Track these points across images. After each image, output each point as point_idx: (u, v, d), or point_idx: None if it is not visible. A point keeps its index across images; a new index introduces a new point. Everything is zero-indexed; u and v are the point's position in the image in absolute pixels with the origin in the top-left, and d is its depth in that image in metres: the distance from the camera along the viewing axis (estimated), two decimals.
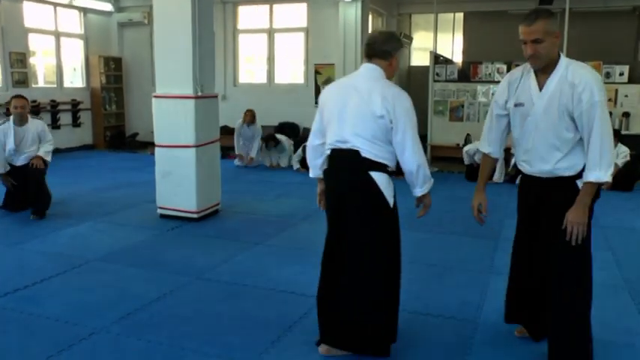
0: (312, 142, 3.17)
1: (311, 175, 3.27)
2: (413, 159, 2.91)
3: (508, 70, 10.17)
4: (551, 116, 2.68)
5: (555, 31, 2.64)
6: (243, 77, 12.47)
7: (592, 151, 2.60)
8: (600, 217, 6.34)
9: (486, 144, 3.11)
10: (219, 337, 3.31)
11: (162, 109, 6.01)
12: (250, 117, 9.90)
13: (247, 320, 3.57)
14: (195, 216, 5.96)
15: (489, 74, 10.38)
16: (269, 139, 9.94)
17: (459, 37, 14.08)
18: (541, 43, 2.60)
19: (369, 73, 2.96)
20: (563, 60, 2.68)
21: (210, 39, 6.25)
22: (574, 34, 10.22)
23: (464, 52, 13.87)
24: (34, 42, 11.04)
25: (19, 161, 6.13)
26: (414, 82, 14.25)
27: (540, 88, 2.72)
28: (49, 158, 6.21)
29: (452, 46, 13.95)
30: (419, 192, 3.06)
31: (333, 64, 11.22)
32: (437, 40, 11.63)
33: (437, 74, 10.68)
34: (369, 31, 11.70)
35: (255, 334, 3.37)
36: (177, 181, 5.96)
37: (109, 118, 12.61)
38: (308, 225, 5.87)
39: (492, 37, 13.01)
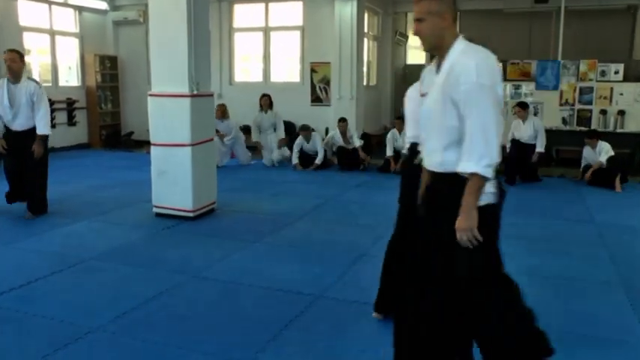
0: (407, 138, 3.52)
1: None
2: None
3: (504, 68, 10.20)
4: (439, 102, 2.41)
5: (443, 12, 2.40)
6: (239, 76, 12.45)
7: (466, 138, 2.30)
8: (595, 214, 6.38)
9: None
10: (215, 336, 3.31)
11: (157, 107, 6.00)
12: (220, 113, 9.53)
13: (244, 319, 3.57)
14: (191, 215, 5.96)
15: None
16: (264, 95, 9.93)
17: None
18: (422, 23, 2.43)
19: None
20: (460, 44, 2.44)
21: (206, 37, 6.25)
22: (570, 32, 10.25)
23: None
24: (29, 40, 10.99)
25: (15, 125, 5.89)
26: (409, 81, 14.19)
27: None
28: (48, 130, 5.93)
29: None
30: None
31: (329, 63, 11.21)
32: None
33: None
34: (365, 29, 11.71)
35: (251, 332, 3.37)
36: (173, 179, 5.95)
37: (105, 117, 12.58)
38: (304, 223, 5.87)
39: (488, 36, 13.01)
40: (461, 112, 2.33)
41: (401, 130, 9.26)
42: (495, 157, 2.29)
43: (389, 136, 9.28)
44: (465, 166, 2.29)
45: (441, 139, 2.42)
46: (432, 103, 2.47)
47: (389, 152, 9.11)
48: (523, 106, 8.60)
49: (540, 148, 8.34)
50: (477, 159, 2.26)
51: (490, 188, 2.37)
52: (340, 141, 9.52)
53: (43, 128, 5.89)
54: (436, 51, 2.49)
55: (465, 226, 2.29)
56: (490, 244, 2.43)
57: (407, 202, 3.30)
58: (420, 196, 2.63)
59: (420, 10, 2.42)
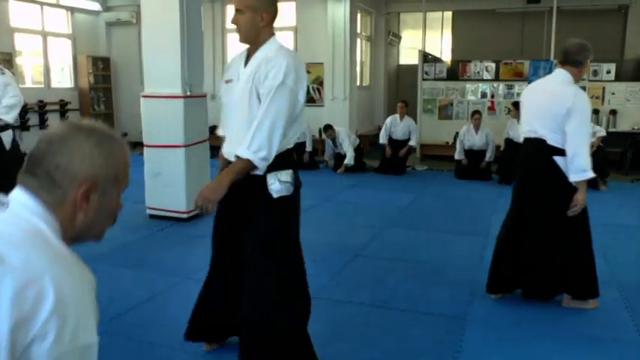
0: (521, 129, 3.91)
1: None
2: (571, 147, 3.45)
3: (497, 68, 10.24)
4: (246, 93, 2.52)
5: (261, 8, 2.51)
6: None
7: (252, 126, 2.43)
8: (589, 212, 6.40)
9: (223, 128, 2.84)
10: None
11: (150, 109, 5.98)
12: None
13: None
14: (184, 216, 5.95)
15: (478, 72, 10.43)
16: None
17: (448, 35, 14.13)
18: (241, 15, 2.53)
19: (560, 77, 3.59)
20: (274, 43, 2.58)
21: (199, 38, 6.24)
22: (562, 32, 10.29)
23: (452, 51, 13.92)
24: (21, 42, 10.94)
25: None
26: (402, 81, 14.29)
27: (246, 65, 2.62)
28: (8, 118, 5.01)
29: (440, 44, 14.00)
30: (571, 178, 3.50)
31: (322, 63, 11.21)
32: (425, 39, 11.67)
33: (426, 73, 10.72)
34: (358, 30, 11.73)
35: None
36: (167, 181, 5.94)
37: (98, 119, 12.08)
38: None
39: (481, 36, 13.07)
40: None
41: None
42: (272, 155, 2.45)
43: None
44: (242, 152, 2.43)
45: (244, 130, 2.49)
46: (238, 96, 2.57)
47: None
48: (517, 105, 8.65)
49: None
50: (256, 149, 2.41)
51: (287, 178, 2.57)
52: (331, 149, 9.48)
53: (4, 113, 4.98)
54: (250, 45, 2.61)
55: (208, 194, 2.46)
56: (288, 231, 2.64)
57: (520, 191, 3.77)
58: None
59: (240, 2, 2.54)
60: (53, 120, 11.43)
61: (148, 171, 6.05)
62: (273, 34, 2.60)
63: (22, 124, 5.46)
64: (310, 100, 11.54)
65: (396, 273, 4.46)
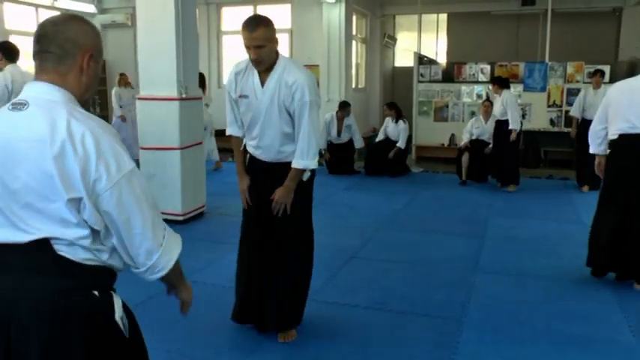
0: (594, 127, 4.20)
1: (591, 151, 4.27)
2: None
3: (492, 70, 10.26)
4: (274, 111, 3.02)
5: (274, 37, 2.93)
6: None
7: (300, 143, 3.02)
8: (583, 214, 6.42)
9: (235, 127, 3.32)
10: (205, 340, 3.30)
11: (146, 111, 5.97)
12: (125, 82, 10.42)
13: (233, 322, 3.55)
14: (180, 218, 5.93)
15: (473, 74, 10.45)
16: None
17: (443, 37, 14.16)
18: (262, 49, 2.88)
19: None
20: (282, 60, 3.02)
21: (194, 40, 6.23)
22: (556, 34, 10.33)
23: (447, 53, 13.95)
24: (16, 44, 10.89)
25: None
26: (398, 83, 14.31)
27: (262, 84, 3.02)
28: None
29: (436, 46, 14.02)
30: None
31: (318, 65, 11.21)
32: (421, 41, 11.69)
33: (421, 75, 10.74)
34: (353, 32, 11.74)
35: (240, 336, 3.36)
36: (162, 183, 5.92)
37: None
38: None
39: (476, 38, 13.11)
40: (294, 122, 3.04)
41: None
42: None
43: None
44: (307, 164, 3.07)
45: (280, 140, 3.09)
46: (265, 109, 3.02)
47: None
48: (494, 81, 8.40)
49: (513, 124, 7.74)
50: (312, 158, 3.07)
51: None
52: (334, 130, 9.18)
53: None
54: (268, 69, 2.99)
55: (284, 200, 3.11)
56: (311, 198, 3.39)
57: (624, 185, 3.99)
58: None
59: (258, 37, 2.85)
60: None
61: (143, 173, 6.03)
62: (278, 51, 3.03)
63: None
64: None
65: (392, 275, 4.46)
